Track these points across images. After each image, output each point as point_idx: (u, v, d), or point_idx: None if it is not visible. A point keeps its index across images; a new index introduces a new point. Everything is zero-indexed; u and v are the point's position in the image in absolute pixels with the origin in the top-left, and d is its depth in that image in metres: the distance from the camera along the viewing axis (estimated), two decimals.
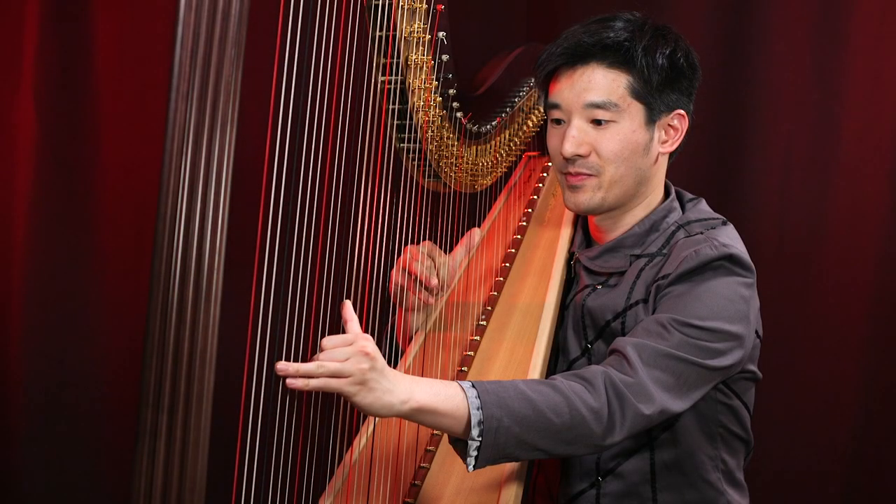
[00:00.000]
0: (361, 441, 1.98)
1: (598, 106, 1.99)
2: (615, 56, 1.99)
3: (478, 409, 1.75)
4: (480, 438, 1.75)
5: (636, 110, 2.00)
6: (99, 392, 3.19)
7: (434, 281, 2.11)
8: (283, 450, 1.69)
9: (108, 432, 3.19)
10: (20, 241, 3.12)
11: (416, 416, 1.74)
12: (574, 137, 2.01)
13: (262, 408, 1.63)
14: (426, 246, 2.12)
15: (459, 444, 1.79)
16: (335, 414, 1.84)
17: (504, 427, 1.75)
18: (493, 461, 1.80)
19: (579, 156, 2.01)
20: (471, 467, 1.77)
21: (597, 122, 2.00)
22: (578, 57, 2.01)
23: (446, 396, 1.75)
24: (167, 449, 1.43)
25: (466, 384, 1.77)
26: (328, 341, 1.67)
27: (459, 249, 2.23)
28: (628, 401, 1.80)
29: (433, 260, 2.13)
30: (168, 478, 1.43)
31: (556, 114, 2.05)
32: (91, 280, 3.17)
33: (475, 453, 1.76)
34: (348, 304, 1.73)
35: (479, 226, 2.33)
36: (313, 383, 1.64)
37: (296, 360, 1.66)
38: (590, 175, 2.02)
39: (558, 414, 1.77)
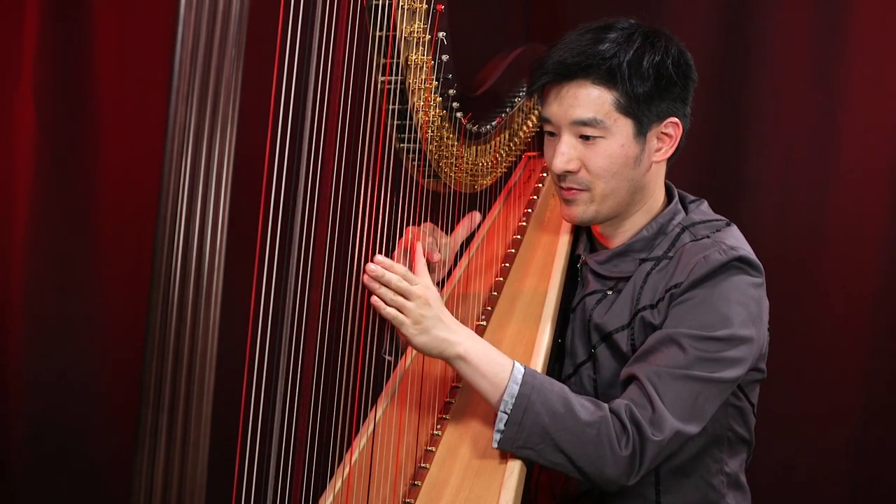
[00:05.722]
0: (361, 441, 1.98)
1: (584, 123, 1.99)
2: (599, 72, 1.98)
3: (516, 383, 1.85)
4: (509, 413, 1.84)
5: (624, 125, 2.00)
6: (99, 392, 3.19)
7: (437, 256, 2.12)
8: (284, 450, 1.69)
9: (108, 432, 3.19)
10: (20, 241, 3.12)
11: (460, 364, 1.88)
12: (563, 154, 2.01)
13: (263, 408, 1.63)
14: (427, 226, 2.13)
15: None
16: (335, 414, 1.84)
17: (534, 411, 1.84)
18: (516, 446, 1.85)
19: (569, 172, 2.02)
20: (495, 443, 1.87)
21: (585, 138, 2.00)
22: (564, 75, 2.00)
23: (491, 360, 1.88)
24: (167, 449, 1.43)
25: (522, 365, 1.88)
26: (395, 266, 1.83)
27: (460, 231, 2.23)
28: (650, 443, 1.85)
29: (435, 239, 2.14)
30: (168, 478, 1.43)
31: (548, 127, 2.06)
32: (91, 280, 3.17)
33: (502, 427, 1.85)
34: (419, 247, 1.93)
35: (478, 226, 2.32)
36: (385, 311, 1.83)
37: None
38: (581, 190, 2.03)
39: (589, 425, 1.84)
